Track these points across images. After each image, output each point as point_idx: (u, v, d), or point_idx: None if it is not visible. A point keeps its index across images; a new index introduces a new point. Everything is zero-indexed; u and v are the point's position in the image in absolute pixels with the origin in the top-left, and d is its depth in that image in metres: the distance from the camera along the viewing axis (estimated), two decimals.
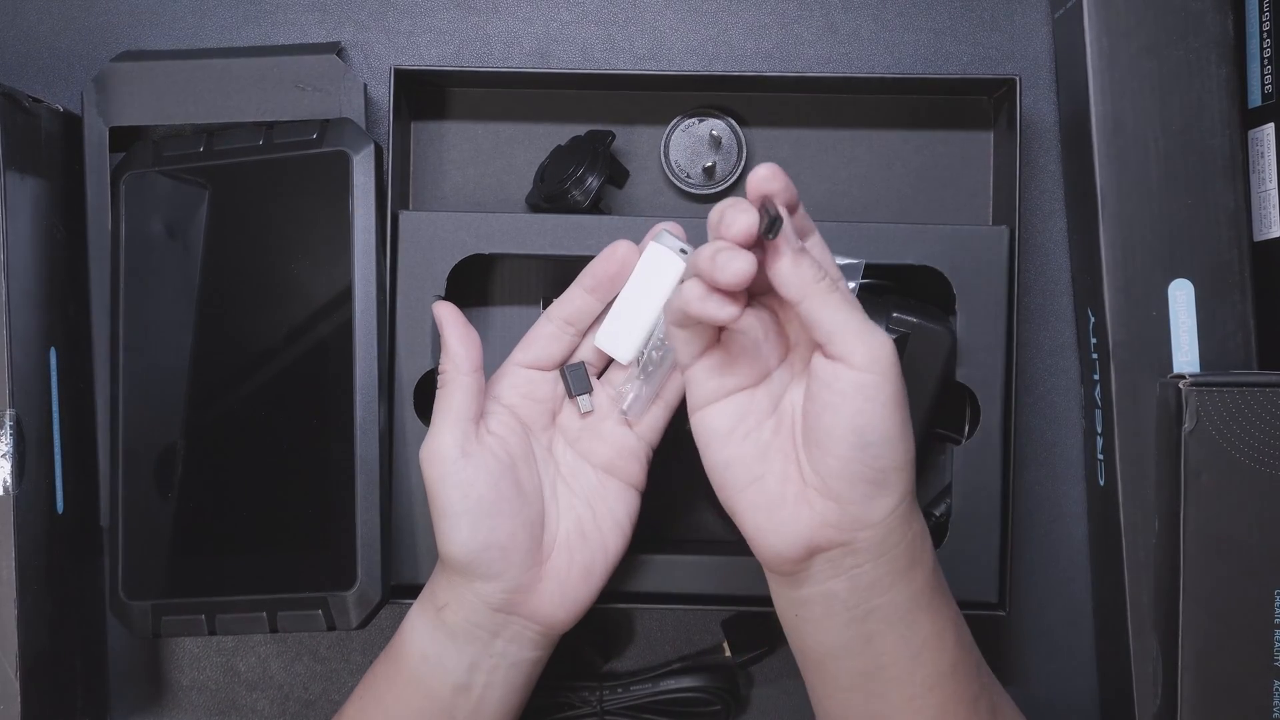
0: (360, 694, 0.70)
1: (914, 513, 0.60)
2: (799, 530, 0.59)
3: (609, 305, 0.68)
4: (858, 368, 0.56)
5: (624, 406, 0.68)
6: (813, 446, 0.58)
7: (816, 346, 0.58)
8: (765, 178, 0.57)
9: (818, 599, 0.60)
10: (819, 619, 0.61)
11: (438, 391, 0.68)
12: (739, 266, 0.55)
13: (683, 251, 0.66)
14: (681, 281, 0.59)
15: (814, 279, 0.56)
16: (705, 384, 0.60)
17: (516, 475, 0.67)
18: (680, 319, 0.59)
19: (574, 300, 0.69)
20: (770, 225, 0.55)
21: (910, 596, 0.60)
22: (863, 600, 0.59)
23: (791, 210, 0.58)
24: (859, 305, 0.58)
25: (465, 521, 0.65)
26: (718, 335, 0.60)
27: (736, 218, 0.56)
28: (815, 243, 0.60)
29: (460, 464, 0.66)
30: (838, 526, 0.58)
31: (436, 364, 0.72)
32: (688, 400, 0.61)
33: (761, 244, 0.57)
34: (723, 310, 0.57)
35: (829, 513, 0.58)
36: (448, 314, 0.69)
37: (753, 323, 0.60)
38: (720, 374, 0.60)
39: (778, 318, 0.61)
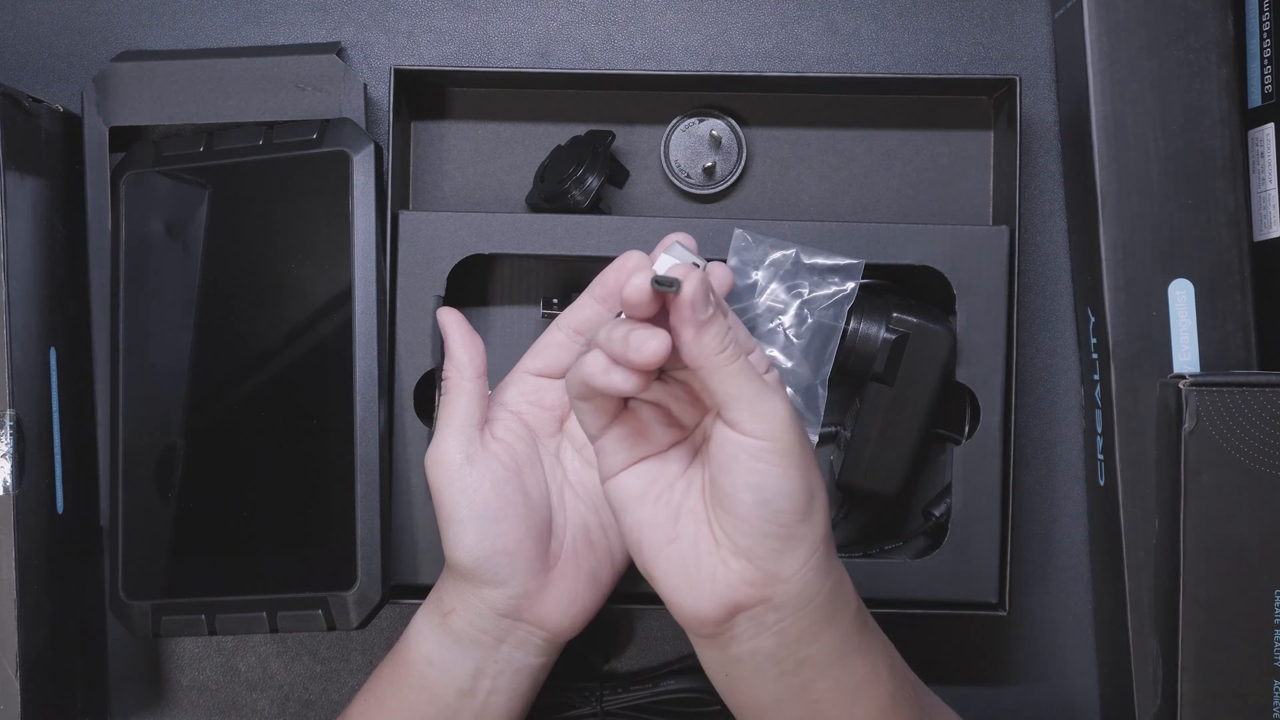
0: (363, 697, 0.70)
1: (830, 560, 0.59)
2: (717, 590, 0.58)
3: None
4: (748, 434, 0.56)
5: None
6: (717, 506, 0.58)
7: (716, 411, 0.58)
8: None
9: (746, 657, 0.59)
10: (750, 675, 0.60)
11: (442, 398, 0.68)
12: (654, 346, 0.55)
13: (695, 265, 0.66)
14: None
15: (713, 351, 0.56)
16: (615, 455, 0.60)
17: (522, 481, 0.67)
18: (583, 392, 0.59)
19: (584, 310, 0.69)
20: (662, 281, 0.55)
21: (839, 641, 0.60)
22: (792, 653, 0.59)
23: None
24: (756, 373, 0.57)
25: (471, 527, 0.65)
26: (624, 404, 0.60)
27: (635, 280, 0.56)
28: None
29: (465, 470, 0.66)
30: (753, 584, 0.58)
31: (436, 364, 0.72)
32: (599, 469, 0.61)
33: (666, 311, 0.56)
34: (628, 382, 0.56)
35: (744, 571, 0.58)
36: (452, 319, 0.69)
37: (661, 394, 0.60)
38: (631, 444, 0.60)
39: (689, 386, 0.60)
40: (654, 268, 0.65)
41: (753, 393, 0.56)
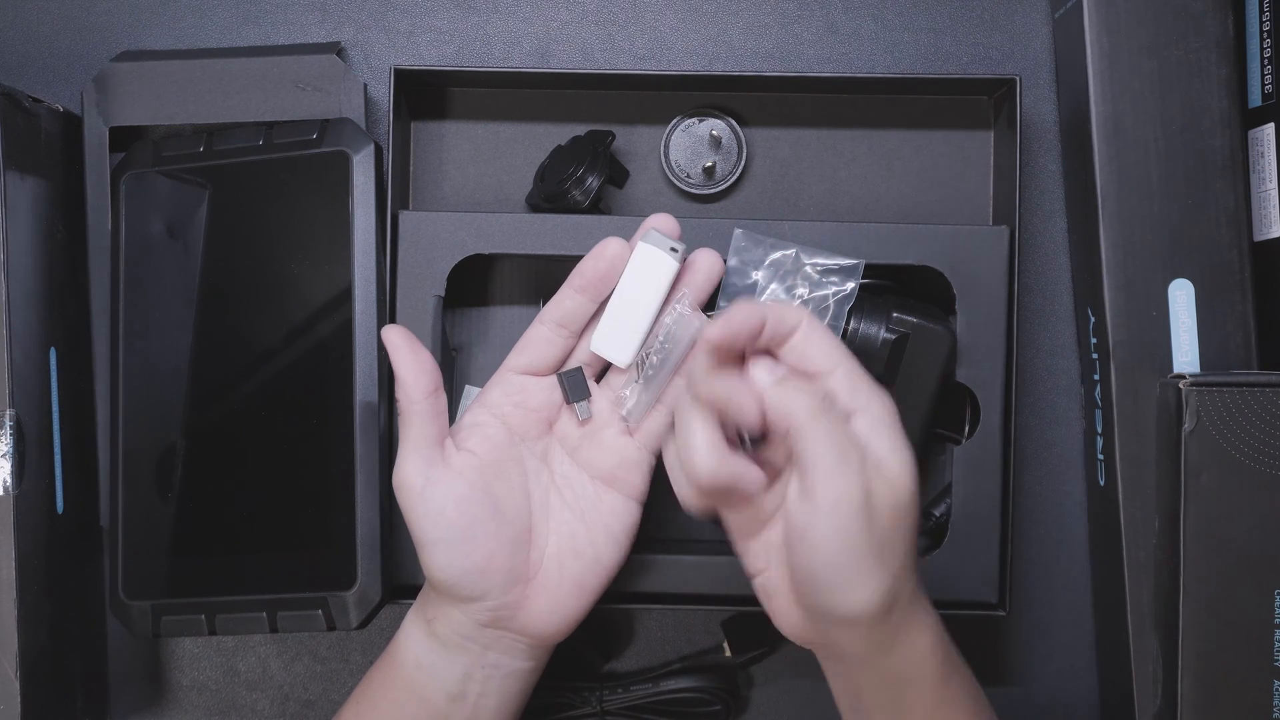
0: (356, 699, 0.69)
1: (910, 629, 0.60)
2: (788, 626, 0.63)
3: (603, 306, 0.68)
4: (818, 506, 0.57)
5: (624, 412, 0.68)
6: (787, 568, 0.61)
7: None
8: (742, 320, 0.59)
9: (824, 668, 0.64)
10: (832, 680, 0.65)
11: (398, 420, 0.66)
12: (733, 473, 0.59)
13: (673, 250, 0.66)
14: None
15: (801, 411, 0.57)
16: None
17: (491, 495, 0.66)
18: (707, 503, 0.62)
19: (565, 302, 0.67)
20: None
21: (904, 705, 0.61)
22: (853, 695, 0.63)
23: (752, 338, 0.60)
24: (843, 434, 0.58)
25: (441, 549, 0.64)
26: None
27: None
28: (801, 336, 0.60)
29: (427, 491, 0.64)
30: (816, 636, 0.62)
31: (437, 363, 0.72)
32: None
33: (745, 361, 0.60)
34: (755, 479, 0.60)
35: (808, 624, 0.62)
36: (396, 340, 0.66)
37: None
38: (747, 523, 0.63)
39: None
40: (632, 256, 0.66)
41: (835, 460, 0.57)
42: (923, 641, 0.61)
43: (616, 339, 0.67)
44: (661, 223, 0.66)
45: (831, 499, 0.57)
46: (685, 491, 0.61)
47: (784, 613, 0.63)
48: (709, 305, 0.69)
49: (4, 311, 0.68)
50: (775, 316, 0.60)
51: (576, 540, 0.67)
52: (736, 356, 0.61)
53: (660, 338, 0.67)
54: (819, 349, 0.60)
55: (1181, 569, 0.66)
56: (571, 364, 0.68)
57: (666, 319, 0.66)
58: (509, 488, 0.66)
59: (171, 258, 0.73)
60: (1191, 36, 0.71)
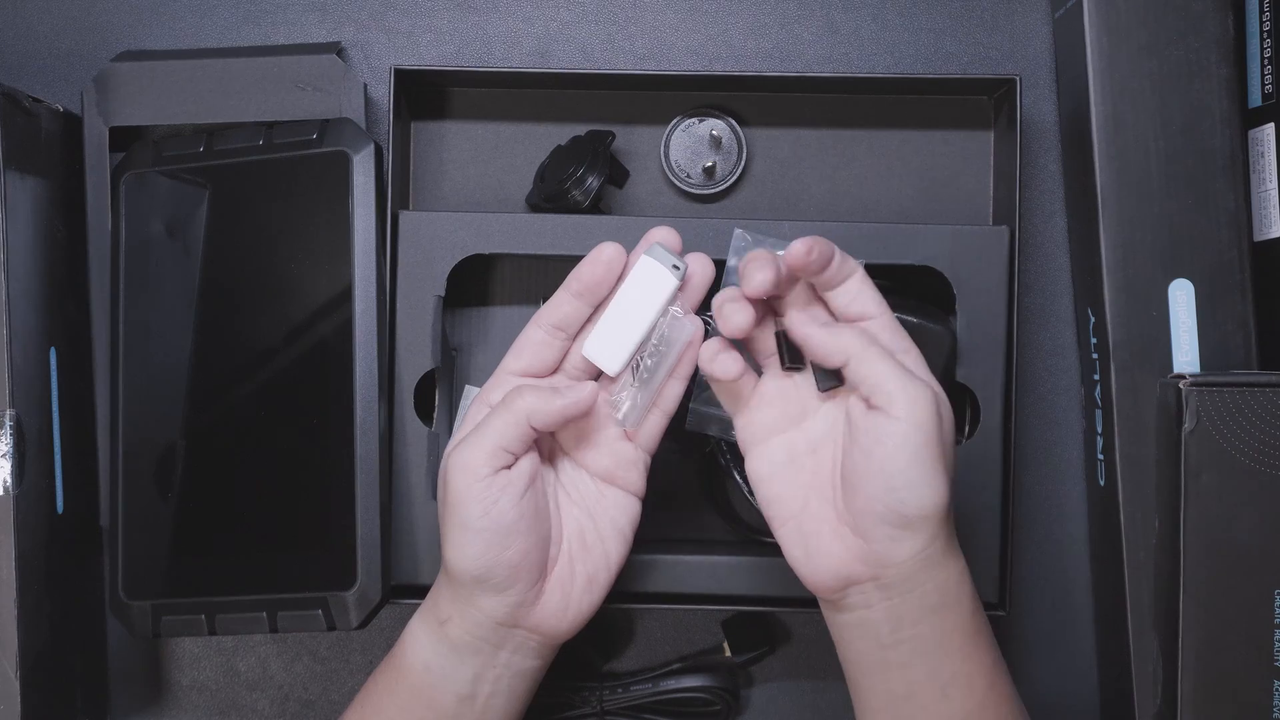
0: (360, 703, 0.69)
1: (949, 557, 0.63)
2: (831, 564, 0.63)
3: (599, 308, 0.67)
4: (895, 417, 0.60)
5: (619, 416, 0.67)
6: (846, 485, 0.62)
7: (858, 394, 0.62)
8: (801, 253, 0.61)
9: (854, 623, 0.64)
10: (856, 640, 0.65)
11: (501, 398, 0.65)
12: (739, 321, 0.62)
13: (675, 267, 0.65)
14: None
15: (856, 342, 0.61)
16: (747, 427, 0.66)
17: (535, 494, 0.66)
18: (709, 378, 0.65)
19: (562, 306, 0.67)
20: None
21: (941, 634, 0.63)
22: (894, 630, 0.63)
23: (825, 265, 0.62)
24: (894, 355, 0.62)
25: (482, 538, 0.64)
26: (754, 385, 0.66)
27: (754, 273, 0.61)
28: (857, 281, 0.64)
29: (489, 481, 0.64)
30: (865, 562, 0.62)
31: (437, 364, 0.72)
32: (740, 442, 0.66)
33: (779, 296, 0.62)
34: (728, 369, 0.64)
35: (858, 549, 0.62)
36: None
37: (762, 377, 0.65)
38: (759, 411, 0.65)
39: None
40: (634, 267, 0.66)
41: (900, 375, 0.61)
42: (956, 566, 0.63)
43: (608, 347, 0.66)
44: (664, 235, 0.66)
45: (907, 405, 0.60)
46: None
47: (824, 553, 0.63)
48: (703, 309, 0.69)
49: (4, 311, 0.68)
50: (841, 255, 0.63)
51: (586, 536, 0.68)
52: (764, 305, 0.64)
53: (654, 340, 0.66)
54: (870, 295, 0.64)
55: (1181, 569, 0.66)
56: (567, 364, 0.68)
57: (660, 322, 0.66)
58: (539, 487, 0.67)
59: (171, 258, 0.73)
60: (1191, 36, 0.71)
